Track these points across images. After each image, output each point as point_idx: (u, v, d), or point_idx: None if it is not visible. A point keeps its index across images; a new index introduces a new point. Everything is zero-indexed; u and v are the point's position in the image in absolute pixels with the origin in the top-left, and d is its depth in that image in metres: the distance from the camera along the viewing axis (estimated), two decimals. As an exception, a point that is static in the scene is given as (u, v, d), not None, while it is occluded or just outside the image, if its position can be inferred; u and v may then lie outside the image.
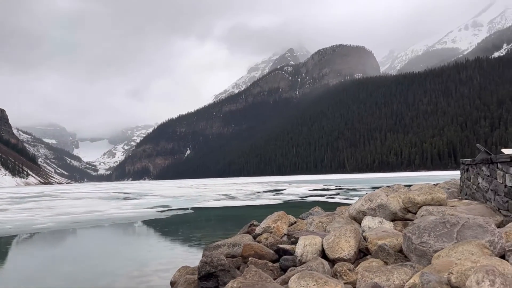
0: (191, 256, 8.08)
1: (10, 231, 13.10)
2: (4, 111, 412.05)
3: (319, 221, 6.85)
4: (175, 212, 18.16)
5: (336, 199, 22.44)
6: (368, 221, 6.18)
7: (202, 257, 4.85)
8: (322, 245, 5.04)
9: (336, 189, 36.69)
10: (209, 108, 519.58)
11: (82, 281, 6.53)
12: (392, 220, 6.44)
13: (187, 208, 20.09)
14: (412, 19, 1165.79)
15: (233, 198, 27.43)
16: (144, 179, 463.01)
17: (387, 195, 6.98)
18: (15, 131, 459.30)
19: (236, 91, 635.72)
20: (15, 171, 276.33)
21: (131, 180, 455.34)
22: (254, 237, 6.42)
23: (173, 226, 14.34)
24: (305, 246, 4.94)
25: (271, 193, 32.21)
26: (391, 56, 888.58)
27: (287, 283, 3.92)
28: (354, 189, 34.52)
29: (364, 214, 6.70)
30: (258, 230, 6.75)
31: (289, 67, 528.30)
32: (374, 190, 8.91)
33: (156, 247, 10.00)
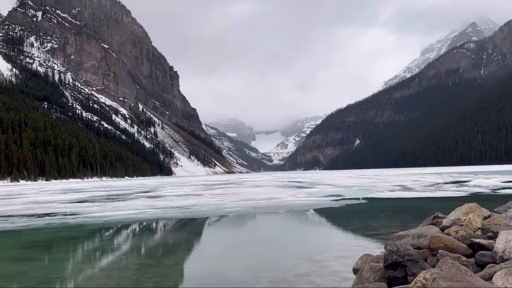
0: (370, 245, 7.99)
1: (206, 213, 15.14)
2: (195, 109, 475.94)
3: (522, 216, 5.94)
4: (348, 202, 18.16)
5: (539, 193, 19.06)
6: None
7: (387, 246, 4.75)
8: (529, 243, 4.38)
9: (537, 181, 31.15)
10: (379, 96, 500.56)
11: (268, 262, 7.10)
12: None
13: (359, 198, 19.86)
14: None
15: (409, 189, 25.93)
16: (315, 169, 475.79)
17: None
18: (204, 126, 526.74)
19: (408, 75, 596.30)
20: (205, 162, 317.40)
21: (303, 170, 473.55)
22: (442, 230, 5.98)
23: (348, 215, 14.39)
24: (508, 241, 4.37)
25: (453, 185, 29.28)
26: None
27: (487, 279, 3.55)
28: None
29: None
30: (445, 222, 6.25)
31: (471, 44, 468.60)
32: None
33: (333, 235, 10.21)
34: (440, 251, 4.70)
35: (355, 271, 5.60)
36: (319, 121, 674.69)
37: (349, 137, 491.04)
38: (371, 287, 4.05)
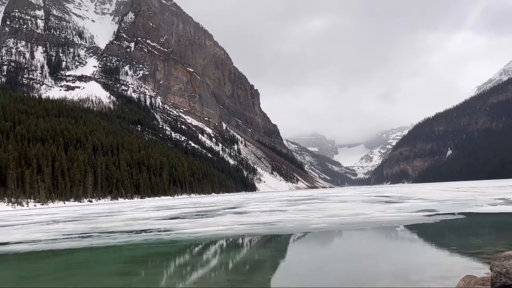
0: (472, 265, 7.35)
1: (292, 229, 15.09)
2: (276, 126, 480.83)
3: None
4: (443, 217, 16.94)
5: None
6: None
7: (493, 267, 4.35)
8: None
9: None
10: (471, 102, 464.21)
11: (359, 280, 6.86)
12: None
13: (455, 213, 18.43)
14: None
15: (513, 202, 23.50)
16: (403, 182, 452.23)
17: None
18: (285, 142, 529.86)
19: (505, 78, 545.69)
20: (287, 177, 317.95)
21: (390, 183, 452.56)
22: (559, 250, 5.31)
23: (443, 231, 13.42)
24: None
25: None
26: None
27: None
28: None
29: None
30: (562, 241, 5.55)
31: None
32: None
33: (428, 253, 9.57)
34: (558, 274, 4.18)
35: (457, 293, 5.19)
36: (405, 132, 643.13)
37: (440, 147, 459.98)
38: (478, 313, 3.72)
